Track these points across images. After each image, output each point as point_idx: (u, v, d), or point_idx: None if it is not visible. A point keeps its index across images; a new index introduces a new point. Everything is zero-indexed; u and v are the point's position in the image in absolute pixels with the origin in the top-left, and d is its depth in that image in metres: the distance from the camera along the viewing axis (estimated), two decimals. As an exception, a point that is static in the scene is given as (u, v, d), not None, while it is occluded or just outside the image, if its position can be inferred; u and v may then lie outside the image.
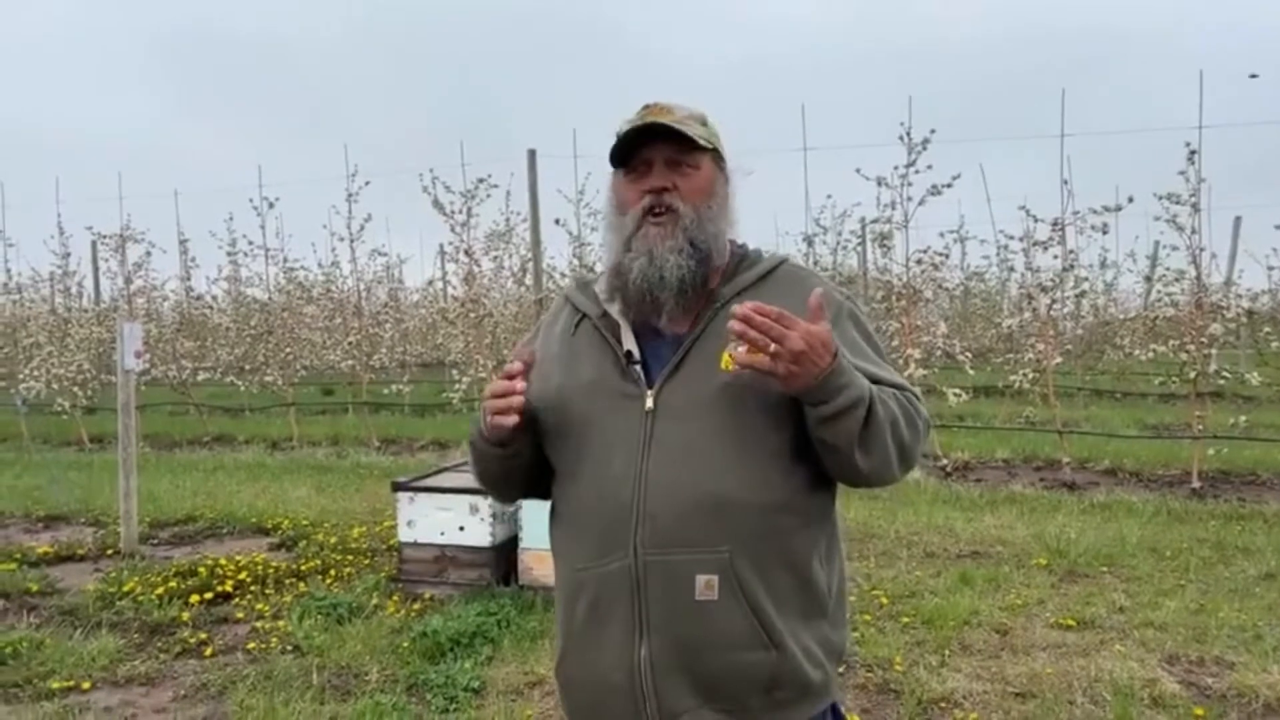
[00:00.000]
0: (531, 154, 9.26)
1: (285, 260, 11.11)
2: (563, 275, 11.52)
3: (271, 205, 10.32)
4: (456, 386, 9.56)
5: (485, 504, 4.62)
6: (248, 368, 12.46)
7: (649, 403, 1.38)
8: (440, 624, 4.06)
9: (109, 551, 5.76)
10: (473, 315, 9.48)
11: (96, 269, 14.15)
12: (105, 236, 11.43)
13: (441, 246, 16.29)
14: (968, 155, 10.45)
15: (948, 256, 9.03)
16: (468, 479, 4.88)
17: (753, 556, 1.34)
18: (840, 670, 1.49)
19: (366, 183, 9.79)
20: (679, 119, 1.42)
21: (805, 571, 1.39)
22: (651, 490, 1.34)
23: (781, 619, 1.35)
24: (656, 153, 1.42)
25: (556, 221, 10.32)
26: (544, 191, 9.46)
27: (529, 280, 10.15)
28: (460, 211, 9.31)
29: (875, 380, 1.38)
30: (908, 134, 7.89)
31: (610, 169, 1.48)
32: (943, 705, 3.32)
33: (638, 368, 1.41)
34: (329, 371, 14.93)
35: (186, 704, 3.53)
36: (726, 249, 1.47)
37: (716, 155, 1.47)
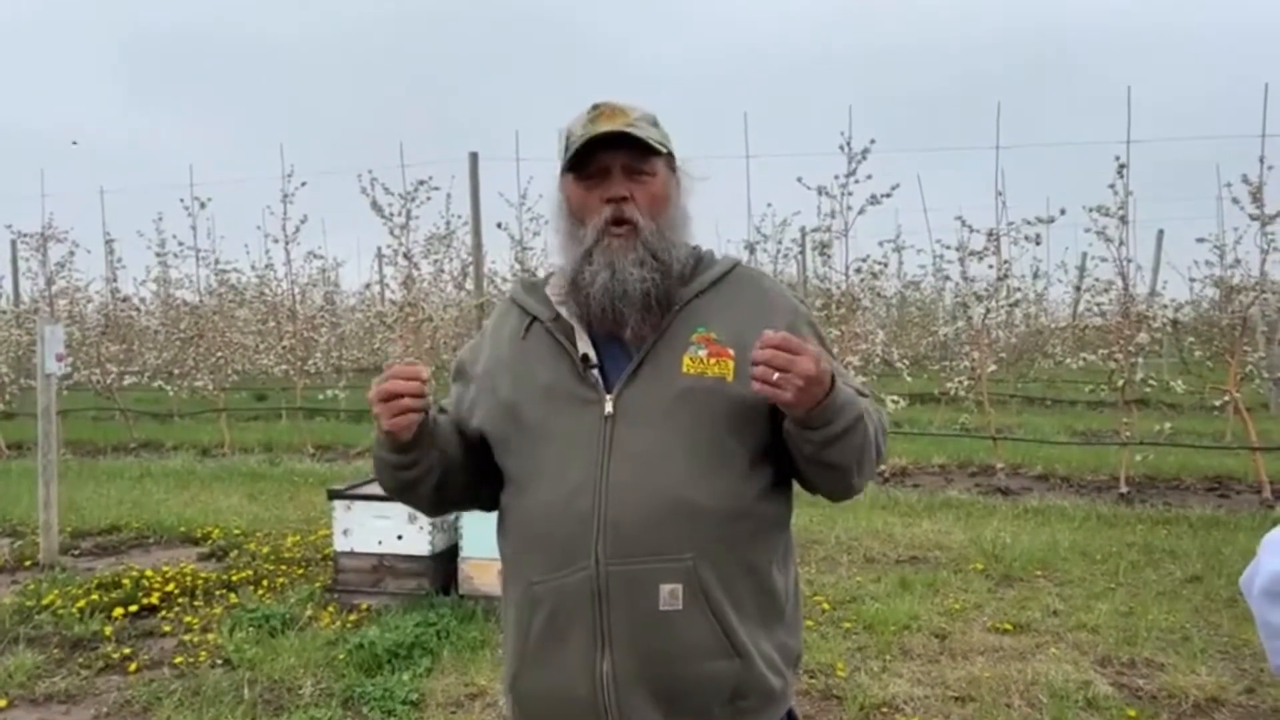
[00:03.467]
0: (473, 156, 9.17)
1: (217, 262, 10.81)
2: (504, 280, 11.41)
3: (203, 205, 10.04)
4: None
5: (425, 512, 4.53)
6: (176, 372, 12.07)
7: (608, 407, 1.34)
8: (377, 635, 3.96)
9: (27, 563, 5.51)
10: (412, 319, 9.33)
11: (16, 269, 13.62)
12: (25, 235, 10.99)
13: (379, 249, 16.08)
14: (907, 166, 10.63)
15: (886, 265, 9.17)
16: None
17: (716, 563, 1.32)
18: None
19: (303, 183, 9.59)
20: (633, 121, 1.38)
21: (765, 577, 1.38)
22: (613, 497, 1.30)
23: (744, 626, 1.33)
24: (614, 159, 1.37)
25: (499, 225, 10.23)
26: (485, 195, 9.37)
27: (470, 284, 10.03)
28: (400, 214, 9.17)
29: None
30: (848, 144, 7.98)
31: (556, 169, 1.44)
32: (884, 710, 3.34)
33: (595, 372, 1.37)
34: (261, 376, 14.57)
35: (109, 722, 3.39)
36: (687, 257, 1.43)
37: (669, 157, 1.44)
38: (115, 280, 11.28)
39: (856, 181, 8.01)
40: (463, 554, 4.55)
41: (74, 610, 4.40)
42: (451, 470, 1.46)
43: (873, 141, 7.94)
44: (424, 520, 4.52)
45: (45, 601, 4.52)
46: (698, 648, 1.31)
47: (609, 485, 1.30)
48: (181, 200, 9.91)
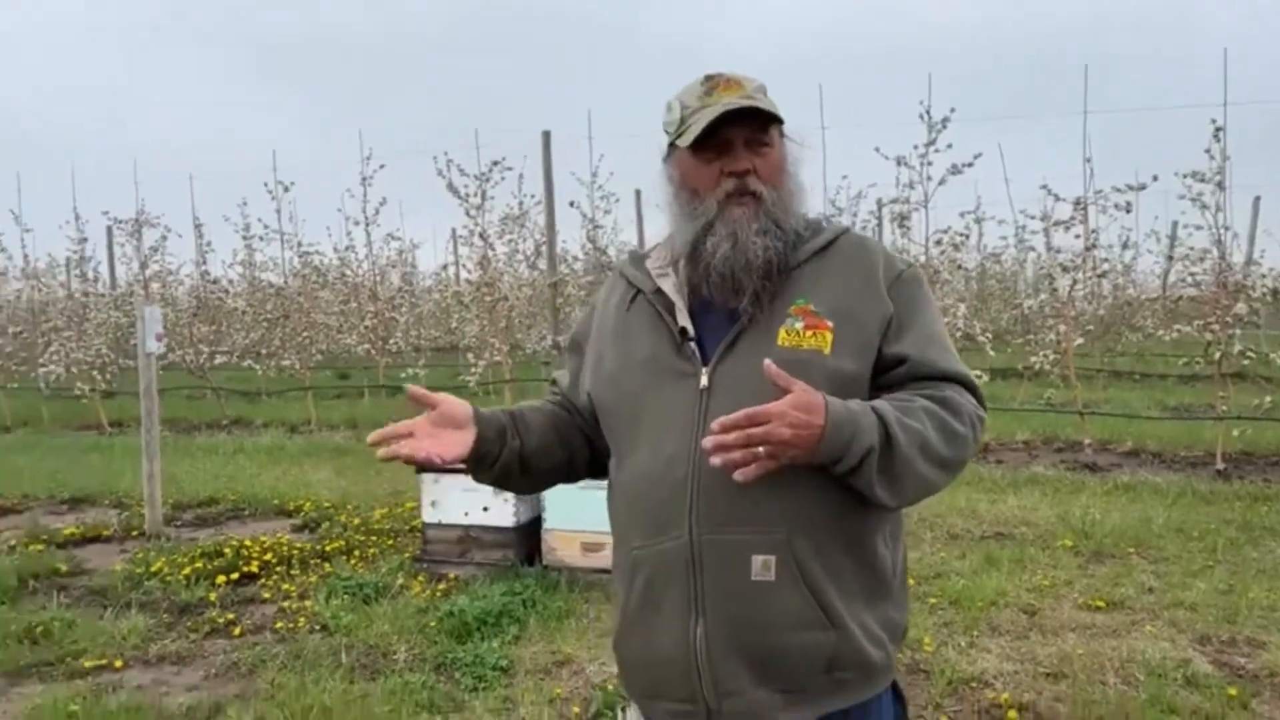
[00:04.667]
0: (546, 135, 9.22)
1: (300, 245, 11.12)
2: (575, 258, 11.50)
3: (286, 189, 10.32)
4: (473, 370, 9.55)
5: (509, 485, 4.62)
6: (264, 352, 12.49)
7: (703, 380, 1.35)
8: (466, 604, 4.07)
9: (134, 533, 5.79)
10: (488, 299, 9.46)
11: (112, 254, 14.21)
12: (121, 221, 11.45)
13: (454, 231, 16.34)
14: (987, 134, 10.33)
15: (967, 237, 8.96)
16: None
17: (812, 538, 1.31)
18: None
19: (381, 166, 9.78)
20: (750, 93, 1.37)
21: (868, 552, 1.36)
22: (706, 468, 1.28)
23: (842, 600, 1.33)
24: (736, 133, 1.36)
25: (571, 204, 10.30)
26: (557, 175, 9.44)
27: (543, 264, 10.12)
28: (475, 194, 9.30)
29: (927, 375, 1.34)
30: (927, 112, 7.82)
31: (664, 141, 1.44)
32: (974, 685, 3.31)
33: (693, 345, 1.38)
34: (344, 356, 14.96)
35: (218, 682, 3.55)
36: (805, 225, 1.43)
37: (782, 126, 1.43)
38: (205, 263, 11.67)
39: (937, 151, 7.85)
40: (546, 526, 4.63)
41: (180, 577, 4.62)
42: (537, 456, 1.49)
43: (953, 110, 7.77)
44: (509, 493, 4.61)
45: (154, 569, 4.75)
46: (790, 618, 1.31)
47: (704, 456, 1.31)
48: (266, 184, 10.21)
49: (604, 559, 4.45)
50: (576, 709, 3.24)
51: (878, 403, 1.29)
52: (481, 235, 9.38)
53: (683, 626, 1.34)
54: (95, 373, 11.01)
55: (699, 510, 1.32)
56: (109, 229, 13.78)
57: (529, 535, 4.70)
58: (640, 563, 1.39)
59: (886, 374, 1.37)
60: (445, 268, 13.73)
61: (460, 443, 1.40)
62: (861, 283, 1.38)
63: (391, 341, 10.86)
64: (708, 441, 1.20)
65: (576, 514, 4.51)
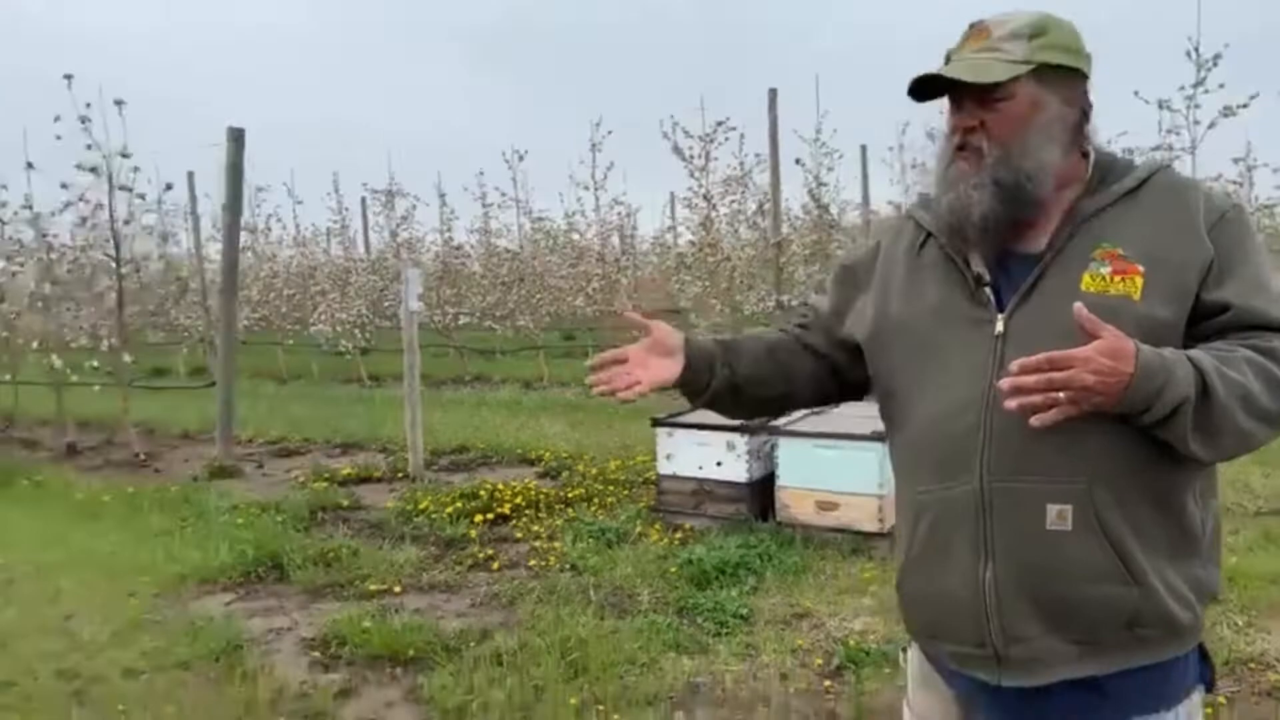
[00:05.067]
0: (772, 93, 9.14)
1: (531, 211, 11.70)
2: (797, 217, 11.37)
3: (521, 158, 10.87)
4: (695, 331, 9.73)
5: (742, 441, 4.71)
6: (499, 314, 13.29)
7: (999, 327, 1.33)
8: (704, 553, 4.21)
9: (399, 475, 6.40)
10: (710, 260, 9.57)
11: (366, 223, 15.55)
12: (376, 192, 12.48)
13: (672, 195, 16.57)
14: (1265, 72, 9.18)
15: (1242, 185, 8.10)
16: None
17: (1114, 490, 1.27)
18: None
19: (609, 132, 10.07)
20: (992, 43, 1.33)
21: (1176, 508, 1.31)
22: (999, 414, 1.27)
23: (1145, 555, 1.28)
24: (963, 87, 1.35)
25: (797, 161, 10.18)
26: (781, 132, 9.34)
27: (764, 223, 10.10)
28: (699, 156, 9.39)
29: (1251, 324, 1.26)
30: (1195, 49, 7.09)
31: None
32: (1254, 666, 3.07)
33: (988, 291, 1.37)
34: (570, 317, 15.66)
35: (483, 610, 3.90)
36: (1049, 179, 1.35)
37: (1045, 70, 1.35)
38: (449, 230, 12.52)
39: (1205, 92, 7.12)
40: (779, 483, 4.68)
41: (444, 515, 5.07)
42: (750, 385, 1.55)
43: (1226, 46, 7.01)
44: (741, 449, 4.71)
45: (420, 507, 5.25)
46: (1086, 569, 1.28)
47: (997, 402, 1.27)
48: (503, 154, 10.78)
49: (839, 518, 4.47)
50: (819, 660, 3.30)
51: (1194, 352, 1.22)
52: (705, 196, 9.48)
53: (971, 569, 1.33)
54: (356, 331, 12.13)
55: (990, 457, 1.31)
56: (363, 200, 15.09)
57: (762, 491, 4.78)
58: (925, 506, 1.40)
59: (1205, 323, 1.29)
60: (671, 229, 13.95)
61: (668, 370, 1.47)
62: (1178, 224, 1.31)
63: (616, 303, 11.23)
64: (1004, 382, 1.18)
65: (810, 472, 4.54)
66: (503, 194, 11.28)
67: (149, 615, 3.91)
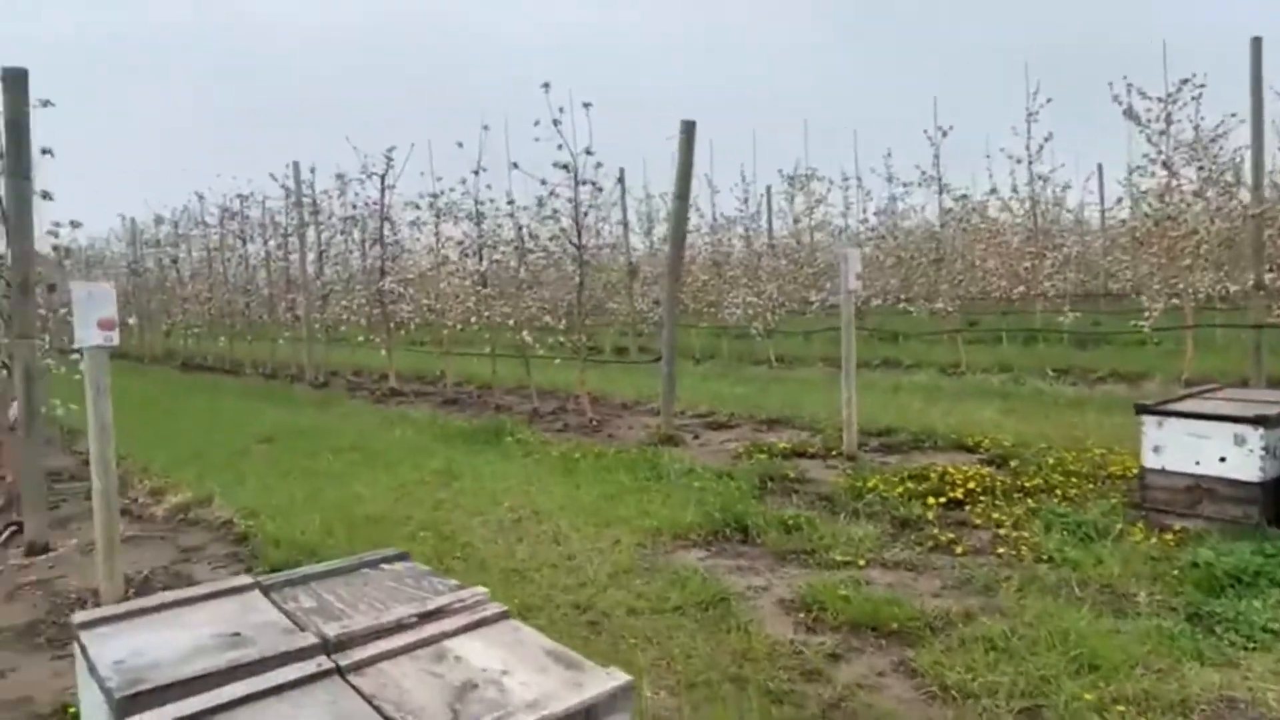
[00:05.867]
0: (1256, 42, 7.87)
1: (949, 188, 11.20)
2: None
3: (945, 134, 10.44)
4: (1146, 316, 8.70)
5: (1255, 435, 4.11)
6: (903, 297, 12.97)
7: None
8: (1213, 557, 3.74)
9: (833, 452, 6.47)
10: (1171, 234, 8.50)
11: (770, 210, 15.95)
12: (789, 177, 12.72)
13: (1099, 166, 15.01)
14: None
15: None
16: (1231, 406, 4.40)
17: None
18: None
19: (1048, 100, 9.33)
20: None
21: None
22: None
23: None
24: None
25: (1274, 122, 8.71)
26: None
27: (1243, 194, 8.75)
28: (1158, 119, 8.37)
29: None
30: None
31: None
32: None
33: None
34: (978, 300, 14.84)
35: (957, 593, 3.79)
36: None
37: None
38: (864, 212, 12.44)
39: None
40: (1302, 486, 4.03)
41: (895, 495, 5.03)
42: None
43: None
44: (1254, 443, 4.11)
45: (870, 485, 5.25)
46: None
47: None
48: (925, 131, 10.44)
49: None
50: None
51: None
52: (1165, 164, 8.44)
53: None
54: (766, 314, 12.51)
55: None
56: (768, 189, 15.49)
57: (1276, 493, 4.14)
58: None
59: None
60: (1120, 200, 12.68)
61: None
62: None
63: (1049, 283, 10.41)
64: None
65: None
66: (923, 172, 10.91)
67: (638, 561, 4.32)
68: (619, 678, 1.75)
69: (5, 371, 5.15)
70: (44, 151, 5.02)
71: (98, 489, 3.95)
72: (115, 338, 3.94)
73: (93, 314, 3.86)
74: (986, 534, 4.50)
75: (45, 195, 5.03)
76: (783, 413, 8.27)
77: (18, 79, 4.64)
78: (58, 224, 5.49)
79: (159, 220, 18.80)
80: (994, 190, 10.76)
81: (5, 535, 5.14)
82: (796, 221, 14.65)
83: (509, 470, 6.40)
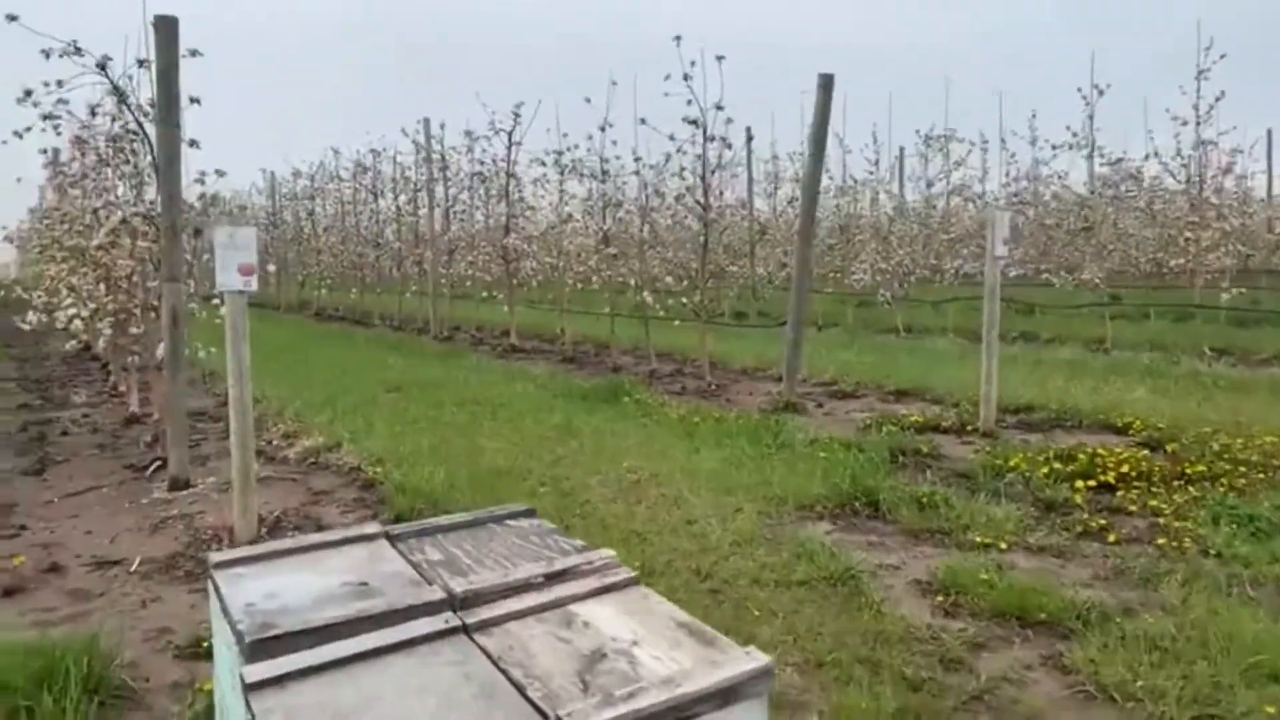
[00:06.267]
0: None
1: (1101, 150, 10.44)
2: None
3: (1101, 93, 9.71)
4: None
5: None
6: (1043, 268, 12.25)
7: None
8: None
9: (968, 428, 6.13)
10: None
11: (902, 172, 15.32)
12: (931, 138, 12.13)
13: (1269, 133, 13.79)
14: None
15: None
16: None
17: None
18: None
19: (1222, 56, 8.53)
20: None
21: None
22: None
23: None
24: None
25: None
26: None
27: None
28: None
29: None
30: None
31: None
32: None
33: None
34: (1124, 272, 13.91)
35: (1112, 585, 3.49)
36: None
37: None
38: (1007, 176, 11.77)
39: None
40: None
41: (1039, 475, 4.71)
42: None
43: None
44: None
45: (1011, 463, 4.93)
46: None
47: None
48: (1079, 89, 9.74)
49: None
50: None
51: None
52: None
53: None
54: (896, 282, 12.03)
55: None
56: (900, 150, 14.87)
57: None
58: None
59: None
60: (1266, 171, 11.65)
61: None
62: None
63: (1212, 256, 9.61)
64: None
65: None
66: (1074, 133, 10.18)
67: (761, 531, 4.17)
68: (759, 658, 1.61)
69: (154, 314, 5.36)
70: (192, 100, 5.15)
71: (235, 430, 4.06)
72: (254, 283, 4.02)
73: (233, 259, 3.93)
74: (1143, 522, 4.15)
75: (193, 143, 5.17)
76: (912, 384, 7.93)
77: (169, 26, 4.75)
78: (203, 173, 5.68)
79: (296, 174, 19.54)
80: (1155, 154, 9.95)
81: (152, 469, 5.39)
82: (930, 185, 14.02)
83: (627, 430, 6.33)
